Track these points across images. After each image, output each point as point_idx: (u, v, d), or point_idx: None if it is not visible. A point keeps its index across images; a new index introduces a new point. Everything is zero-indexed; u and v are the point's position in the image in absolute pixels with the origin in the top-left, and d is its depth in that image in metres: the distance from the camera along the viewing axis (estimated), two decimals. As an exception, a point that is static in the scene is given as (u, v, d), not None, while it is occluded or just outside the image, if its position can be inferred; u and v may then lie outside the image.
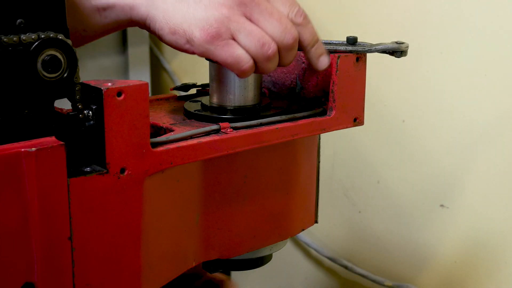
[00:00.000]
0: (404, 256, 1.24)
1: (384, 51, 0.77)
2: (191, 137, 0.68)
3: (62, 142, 0.57)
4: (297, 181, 0.82)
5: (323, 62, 0.76)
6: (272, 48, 0.70)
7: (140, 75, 1.62)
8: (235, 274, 1.50)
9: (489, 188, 1.10)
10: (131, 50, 1.60)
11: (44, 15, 0.59)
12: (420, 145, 1.18)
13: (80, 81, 0.62)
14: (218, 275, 0.99)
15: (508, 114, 1.06)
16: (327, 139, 1.15)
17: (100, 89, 0.59)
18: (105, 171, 0.61)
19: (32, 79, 0.59)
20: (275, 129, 0.73)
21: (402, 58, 0.77)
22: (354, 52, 0.77)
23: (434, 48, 1.12)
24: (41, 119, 0.60)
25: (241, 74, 0.71)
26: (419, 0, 1.13)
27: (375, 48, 0.77)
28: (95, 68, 1.58)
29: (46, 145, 0.56)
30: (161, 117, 0.77)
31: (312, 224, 0.87)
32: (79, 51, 0.62)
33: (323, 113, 0.78)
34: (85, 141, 0.62)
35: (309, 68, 0.82)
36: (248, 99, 0.78)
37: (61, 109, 0.66)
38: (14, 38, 0.57)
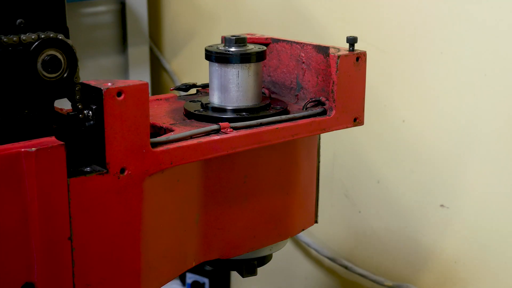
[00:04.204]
0: (404, 256, 1.24)
1: None
2: (191, 137, 0.68)
3: (62, 142, 0.57)
4: (297, 181, 0.81)
5: None
6: None
7: (140, 75, 1.62)
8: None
9: (489, 188, 1.10)
10: (131, 50, 1.60)
11: (44, 15, 0.59)
12: (420, 145, 1.18)
13: (80, 81, 0.62)
14: None
15: (508, 114, 1.06)
16: (327, 139, 1.15)
17: (100, 89, 0.59)
18: (105, 171, 0.61)
19: (32, 79, 0.59)
20: (275, 129, 0.73)
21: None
22: None
23: (434, 48, 1.12)
24: (41, 119, 0.60)
25: None
26: (419, 0, 1.13)
27: None
28: (95, 68, 1.58)
29: (46, 145, 0.56)
30: (161, 117, 0.77)
31: (312, 224, 0.87)
32: (79, 51, 0.62)
33: (323, 113, 0.78)
34: (85, 141, 0.62)
35: (309, 68, 0.82)
36: (248, 99, 0.78)
37: (61, 109, 0.66)
38: (14, 38, 0.58)
